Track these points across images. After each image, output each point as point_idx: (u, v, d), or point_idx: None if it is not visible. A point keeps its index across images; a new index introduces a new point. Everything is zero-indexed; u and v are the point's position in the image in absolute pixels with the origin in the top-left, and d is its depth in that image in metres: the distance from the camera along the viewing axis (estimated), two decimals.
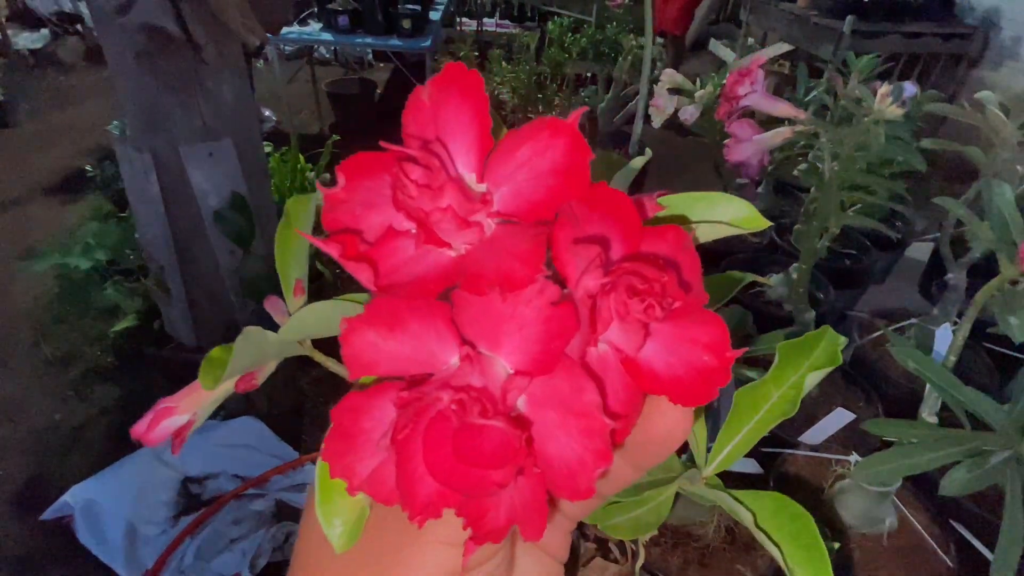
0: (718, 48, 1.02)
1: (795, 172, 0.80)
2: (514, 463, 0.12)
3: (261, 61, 3.37)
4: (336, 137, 2.12)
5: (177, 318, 1.48)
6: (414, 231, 0.13)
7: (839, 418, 0.64)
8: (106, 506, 1.34)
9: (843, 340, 0.32)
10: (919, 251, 1.20)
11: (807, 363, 0.30)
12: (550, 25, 3.17)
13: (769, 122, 0.66)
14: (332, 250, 0.13)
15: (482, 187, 0.14)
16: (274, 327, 0.28)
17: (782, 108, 0.59)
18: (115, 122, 1.62)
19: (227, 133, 1.28)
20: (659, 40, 3.54)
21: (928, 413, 0.52)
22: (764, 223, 0.21)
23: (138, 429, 0.32)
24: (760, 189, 1.17)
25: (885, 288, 1.14)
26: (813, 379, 0.29)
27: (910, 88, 0.79)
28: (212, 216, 1.30)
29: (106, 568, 1.19)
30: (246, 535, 1.17)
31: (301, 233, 0.14)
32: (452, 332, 0.12)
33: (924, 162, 0.50)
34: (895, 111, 0.49)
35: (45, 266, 1.71)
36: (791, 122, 0.63)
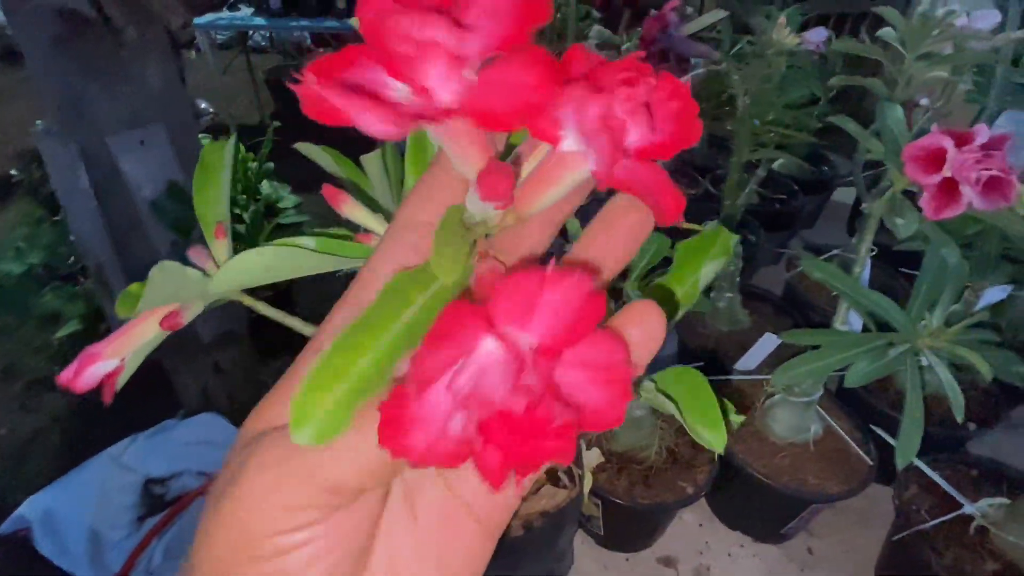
0: None
1: (729, 127, 0.83)
2: (571, 433, 0.13)
3: (194, 51, 3.24)
4: (277, 124, 2.06)
5: None
6: (400, 95, 0.14)
7: (768, 343, 0.68)
8: (65, 515, 1.30)
9: (736, 237, 0.35)
10: (846, 195, 1.26)
11: (704, 259, 0.33)
12: None
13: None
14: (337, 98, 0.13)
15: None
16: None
17: (696, 48, 0.61)
18: (39, 122, 1.54)
19: (157, 120, 1.24)
20: (596, 14, 3.55)
21: (840, 323, 0.56)
22: None
23: (64, 376, 0.32)
24: (696, 144, 1.21)
25: (816, 230, 1.21)
26: (709, 270, 0.32)
27: (821, 32, 0.83)
28: (148, 207, 1.26)
29: None
30: None
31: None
32: (483, 325, 0.13)
33: (821, 88, 0.53)
34: (793, 40, 0.52)
35: None
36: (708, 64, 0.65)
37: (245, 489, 0.13)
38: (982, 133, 0.42)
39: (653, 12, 1.02)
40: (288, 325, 0.36)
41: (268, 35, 3.62)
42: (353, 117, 0.13)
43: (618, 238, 0.16)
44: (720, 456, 0.60)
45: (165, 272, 0.28)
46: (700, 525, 0.68)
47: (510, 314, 0.13)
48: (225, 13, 2.50)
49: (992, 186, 0.41)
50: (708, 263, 0.32)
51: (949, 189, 0.43)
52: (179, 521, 1.16)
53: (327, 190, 0.29)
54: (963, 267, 0.50)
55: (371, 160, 0.31)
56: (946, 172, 0.42)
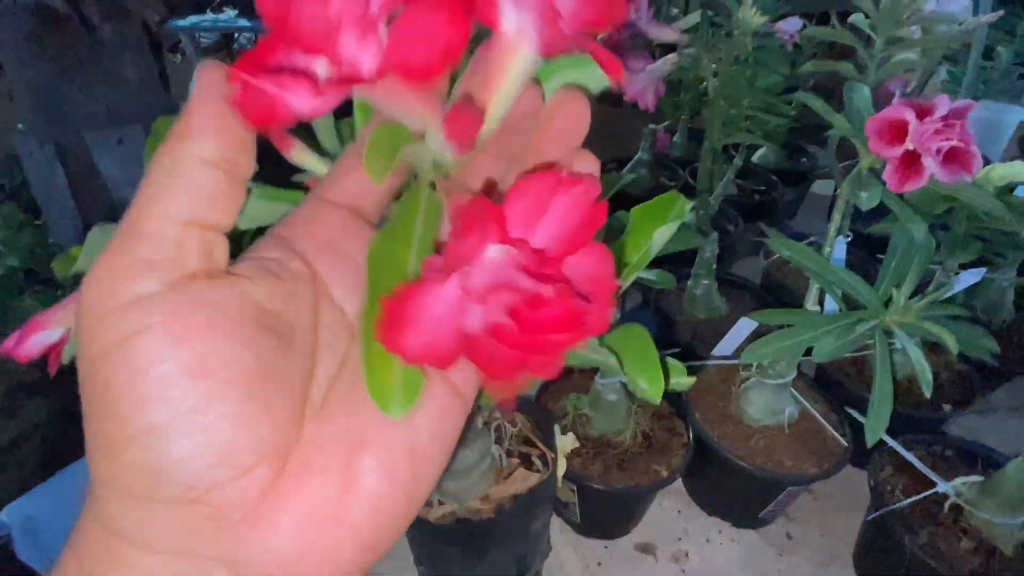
0: None
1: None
2: (581, 326, 0.14)
3: (179, 56, 3.23)
4: None
5: None
6: (324, 70, 0.14)
7: (744, 327, 0.68)
8: (47, 521, 1.28)
9: (690, 203, 0.35)
10: (826, 187, 1.27)
11: (658, 224, 0.32)
12: None
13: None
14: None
15: None
16: None
17: (665, 32, 0.61)
18: (20, 125, 1.52)
19: (136, 119, 1.23)
20: None
21: (811, 303, 0.56)
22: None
23: (7, 345, 0.31)
24: (676, 137, 1.22)
25: (796, 222, 1.21)
26: (662, 233, 0.32)
27: (795, 22, 0.84)
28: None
29: None
30: None
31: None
32: (493, 228, 0.14)
33: (789, 69, 0.54)
34: (759, 19, 0.52)
35: None
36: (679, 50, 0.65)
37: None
38: (943, 104, 0.42)
39: None
40: None
41: (253, 37, 3.62)
42: (287, 98, 0.13)
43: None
44: (695, 440, 0.60)
45: (106, 234, 0.27)
46: (678, 512, 0.68)
47: (521, 217, 0.14)
48: (209, 15, 2.49)
49: (953, 157, 0.42)
50: (661, 228, 0.32)
51: (911, 161, 0.43)
52: None
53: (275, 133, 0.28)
54: (929, 243, 0.50)
55: (322, 124, 0.30)
56: (908, 144, 0.43)
